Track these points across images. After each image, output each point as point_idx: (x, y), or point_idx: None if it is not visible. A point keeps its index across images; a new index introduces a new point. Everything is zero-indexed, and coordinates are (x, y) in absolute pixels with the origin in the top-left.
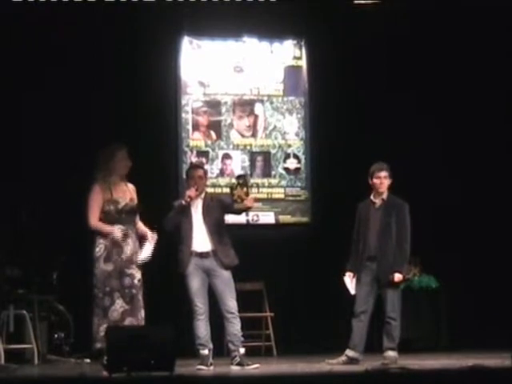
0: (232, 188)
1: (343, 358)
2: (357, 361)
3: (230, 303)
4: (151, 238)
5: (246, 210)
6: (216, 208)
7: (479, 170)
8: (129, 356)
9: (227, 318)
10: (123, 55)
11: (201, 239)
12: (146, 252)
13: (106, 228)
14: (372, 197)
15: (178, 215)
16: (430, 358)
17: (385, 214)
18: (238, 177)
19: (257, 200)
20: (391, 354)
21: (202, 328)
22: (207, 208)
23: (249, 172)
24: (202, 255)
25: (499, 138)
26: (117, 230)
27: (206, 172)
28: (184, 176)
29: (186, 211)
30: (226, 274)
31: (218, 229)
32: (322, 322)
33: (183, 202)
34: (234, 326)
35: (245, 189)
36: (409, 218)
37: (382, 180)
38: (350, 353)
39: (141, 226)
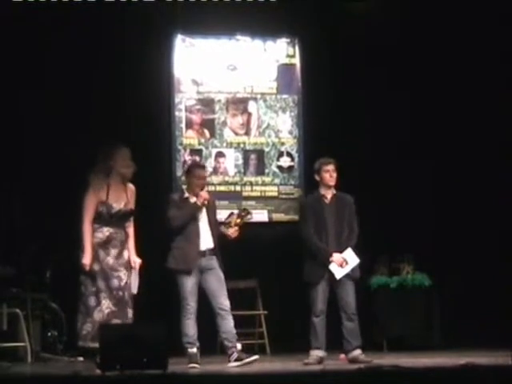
0: (238, 214)
1: (314, 357)
2: (323, 360)
3: (225, 301)
4: (134, 264)
5: (225, 236)
6: (213, 209)
7: (472, 166)
8: (122, 354)
9: (221, 315)
10: (116, 53)
11: (204, 237)
12: (135, 280)
13: (87, 248)
14: (321, 191)
15: (191, 215)
16: (423, 356)
17: (339, 211)
18: (244, 209)
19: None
20: (360, 351)
21: (191, 326)
22: (209, 207)
23: (242, 170)
24: (200, 253)
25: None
26: (89, 261)
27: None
28: (178, 174)
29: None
30: (221, 273)
31: (216, 228)
32: None
33: (199, 204)
34: (229, 323)
35: (239, 221)
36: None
37: (331, 173)
38: (320, 353)
39: (131, 245)
